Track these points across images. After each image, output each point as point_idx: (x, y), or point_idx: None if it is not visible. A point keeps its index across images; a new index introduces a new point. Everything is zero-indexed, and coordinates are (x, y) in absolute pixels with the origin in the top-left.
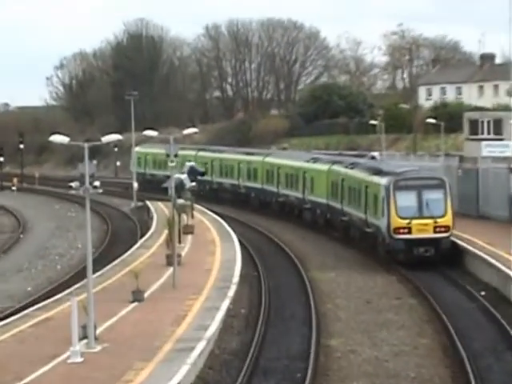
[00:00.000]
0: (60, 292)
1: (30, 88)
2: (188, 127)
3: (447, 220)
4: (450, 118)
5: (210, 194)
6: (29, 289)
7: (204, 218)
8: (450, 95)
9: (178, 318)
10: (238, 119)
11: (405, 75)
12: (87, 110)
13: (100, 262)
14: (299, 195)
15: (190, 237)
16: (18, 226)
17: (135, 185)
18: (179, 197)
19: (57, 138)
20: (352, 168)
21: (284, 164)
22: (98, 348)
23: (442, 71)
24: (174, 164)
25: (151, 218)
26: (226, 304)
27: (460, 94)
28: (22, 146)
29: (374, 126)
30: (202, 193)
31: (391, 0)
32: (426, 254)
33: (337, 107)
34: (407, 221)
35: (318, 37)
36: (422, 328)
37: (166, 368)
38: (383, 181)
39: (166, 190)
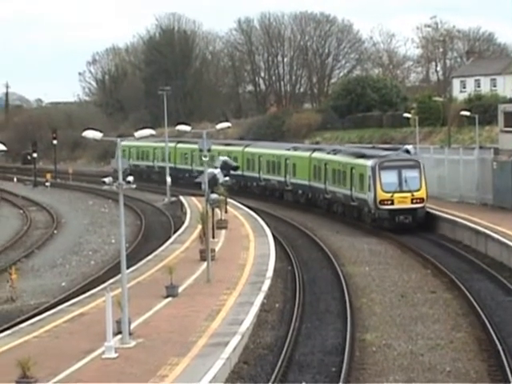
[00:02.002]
0: (94, 287)
1: (63, 84)
2: (221, 121)
3: (422, 193)
4: (485, 111)
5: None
6: (63, 284)
7: (237, 212)
8: (485, 87)
9: (212, 313)
10: (270, 113)
11: (438, 68)
12: (120, 105)
13: (134, 257)
14: (281, 179)
15: (223, 231)
16: (51, 221)
17: (168, 180)
18: (212, 191)
19: (90, 134)
20: (335, 154)
21: (265, 153)
22: (133, 343)
23: (476, 63)
24: (207, 159)
25: (185, 213)
26: (260, 298)
27: (494, 86)
28: (55, 142)
29: (407, 119)
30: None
31: None
32: (405, 221)
33: (370, 100)
34: (390, 194)
35: (351, 30)
36: (457, 322)
37: (200, 363)
38: (369, 162)
39: (199, 184)
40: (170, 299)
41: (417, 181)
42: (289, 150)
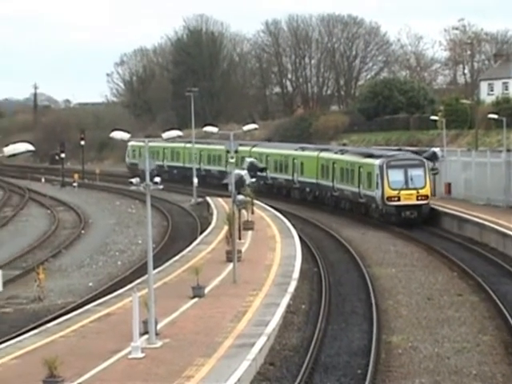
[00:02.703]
0: (121, 287)
1: (91, 85)
2: (248, 123)
3: (426, 191)
4: None
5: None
6: (90, 284)
7: (264, 213)
8: None
9: (238, 314)
10: (297, 115)
11: (466, 70)
12: (147, 106)
13: (160, 258)
14: (289, 177)
15: (250, 233)
16: (79, 222)
17: (195, 180)
18: (239, 193)
19: (117, 135)
20: (342, 153)
21: (273, 152)
22: (159, 343)
23: (504, 66)
24: (233, 160)
25: (211, 214)
26: (286, 300)
27: None
28: (82, 143)
29: (434, 121)
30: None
31: None
32: (411, 216)
33: (397, 103)
34: (397, 191)
35: (379, 32)
36: (484, 325)
37: (226, 364)
38: (377, 162)
39: (225, 185)
40: (196, 300)
41: (422, 179)
42: (296, 150)
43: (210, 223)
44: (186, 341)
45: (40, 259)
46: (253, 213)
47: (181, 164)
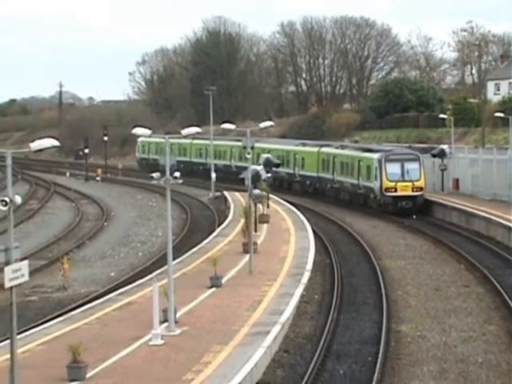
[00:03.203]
0: (142, 277)
1: (114, 83)
2: (264, 120)
3: (421, 183)
4: None
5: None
6: (112, 274)
7: (279, 207)
8: None
9: (254, 303)
10: (311, 113)
11: (473, 71)
12: (168, 103)
13: (179, 250)
14: (290, 171)
15: (265, 226)
16: (102, 214)
17: (213, 175)
18: (255, 187)
19: (139, 131)
20: (342, 148)
21: (274, 148)
22: (178, 331)
23: (510, 67)
24: (250, 156)
25: (228, 208)
26: (299, 290)
27: None
28: (105, 139)
29: (443, 119)
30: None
31: None
32: (406, 206)
33: (407, 101)
34: (394, 183)
35: (390, 33)
36: (490, 315)
37: (242, 351)
38: (376, 156)
39: (242, 180)
40: (213, 290)
41: (417, 172)
42: (297, 145)
43: (227, 216)
44: (203, 329)
45: (64, 250)
46: (268, 207)
47: (188, 159)
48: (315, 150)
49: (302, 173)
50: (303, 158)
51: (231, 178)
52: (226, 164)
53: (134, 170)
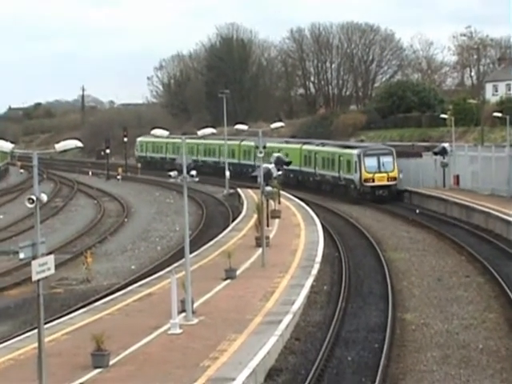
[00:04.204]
0: (161, 270)
1: (133, 87)
2: (275, 122)
3: (394, 174)
4: None
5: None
6: (133, 267)
7: (290, 203)
8: None
9: (266, 294)
10: (320, 114)
11: (473, 73)
12: (184, 106)
13: (196, 244)
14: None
15: (277, 221)
16: (122, 211)
17: (227, 173)
18: (267, 184)
19: (157, 132)
20: (323, 145)
21: (244, 144)
22: (195, 321)
23: (507, 69)
24: (262, 155)
25: (242, 204)
26: (310, 281)
27: None
28: (125, 139)
29: (444, 119)
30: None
31: (460, 4)
32: (383, 194)
33: (410, 102)
34: (372, 174)
35: (393, 38)
36: (489, 303)
37: (256, 339)
38: (355, 151)
39: (255, 178)
40: (228, 281)
41: (391, 164)
42: (281, 142)
43: (240, 212)
44: (219, 318)
45: (88, 244)
46: (279, 203)
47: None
48: (298, 146)
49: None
50: (287, 154)
51: (219, 172)
52: (215, 160)
53: (153, 168)
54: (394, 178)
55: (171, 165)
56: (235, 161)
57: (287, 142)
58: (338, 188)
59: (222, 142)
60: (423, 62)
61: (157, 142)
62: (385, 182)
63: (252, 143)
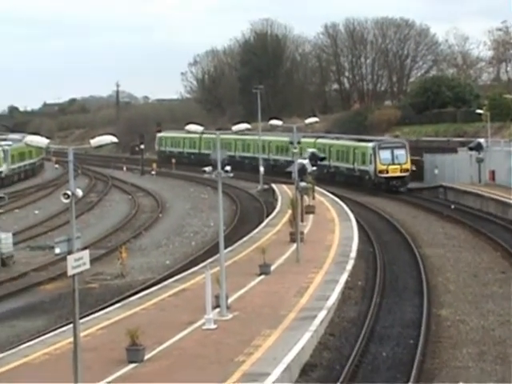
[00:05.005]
0: (195, 265)
1: (167, 82)
2: (309, 117)
3: (407, 166)
4: None
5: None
6: (167, 262)
7: (324, 198)
8: None
9: (301, 290)
10: (354, 110)
11: (508, 68)
12: (218, 102)
13: (230, 239)
14: (289, 159)
15: (311, 216)
16: (157, 206)
17: (261, 169)
18: (302, 180)
19: (191, 127)
20: (337, 139)
21: (274, 139)
22: (230, 316)
23: None
24: (297, 150)
25: (276, 199)
26: (344, 277)
27: None
28: (178, 135)
29: (479, 114)
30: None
31: None
32: (396, 184)
33: (445, 98)
34: (386, 166)
35: (428, 33)
36: None
37: (290, 334)
38: (370, 144)
39: (289, 173)
40: (262, 277)
41: (404, 157)
42: (285, 137)
43: (274, 208)
44: (253, 313)
45: (122, 240)
46: (314, 198)
47: (197, 151)
48: (312, 140)
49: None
50: (301, 148)
51: (236, 165)
52: (231, 155)
53: (187, 163)
54: (407, 170)
55: (188, 159)
56: (265, 156)
57: (302, 137)
58: (352, 179)
59: (236, 136)
60: (458, 57)
61: (176, 137)
62: (398, 174)
63: (268, 137)
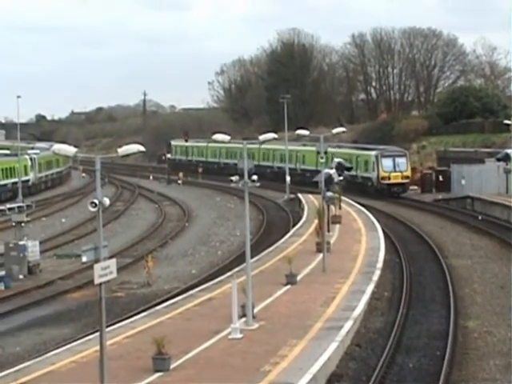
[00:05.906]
0: (221, 275)
1: (194, 92)
2: (336, 127)
3: (408, 173)
4: None
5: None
6: (193, 271)
7: (350, 208)
8: None
9: (327, 300)
10: (381, 119)
11: None
12: (245, 111)
13: (256, 249)
14: (292, 166)
15: (337, 226)
16: (183, 215)
17: (288, 178)
18: (328, 190)
19: (218, 137)
20: (339, 148)
21: (278, 148)
22: (256, 325)
23: None
24: (323, 160)
25: (302, 209)
26: (370, 287)
27: None
28: (187, 144)
29: (507, 125)
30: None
31: None
32: (397, 191)
33: (473, 108)
34: (388, 173)
35: (456, 43)
36: None
37: (316, 344)
38: (373, 153)
39: (316, 183)
40: (289, 286)
41: (405, 165)
42: (298, 146)
43: (301, 217)
44: (279, 323)
45: (149, 248)
46: (340, 208)
47: (204, 159)
48: (314, 149)
49: (303, 167)
50: (304, 156)
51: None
52: (235, 162)
53: (213, 173)
54: (407, 177)
55: (196, 166)
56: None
57: (304, 145)
58: (355, 185)
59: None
60: (486, 68)
61: (184, 146)
62: (399, 180)
63: (273, 146)
